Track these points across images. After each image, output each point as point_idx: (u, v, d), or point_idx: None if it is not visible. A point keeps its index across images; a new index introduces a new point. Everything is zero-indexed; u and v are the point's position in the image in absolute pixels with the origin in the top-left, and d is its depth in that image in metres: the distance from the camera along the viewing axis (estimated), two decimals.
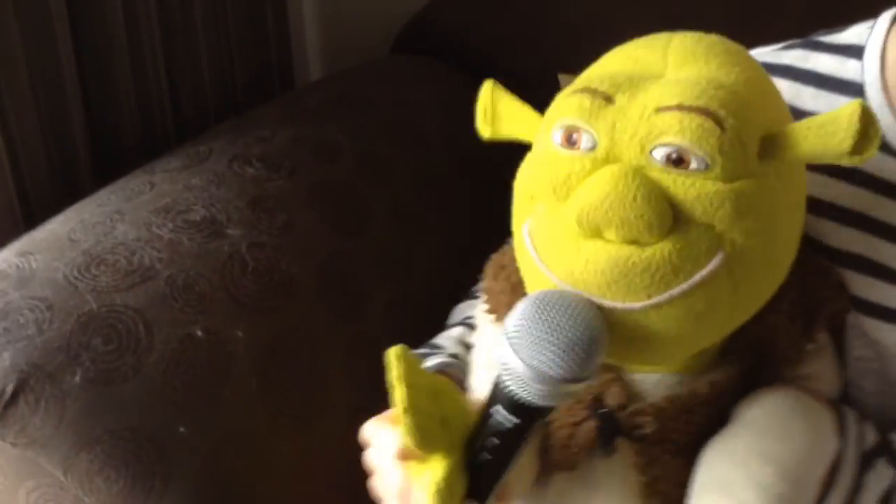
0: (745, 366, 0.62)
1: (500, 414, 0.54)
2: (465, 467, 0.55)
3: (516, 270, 0.67)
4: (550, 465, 0.65)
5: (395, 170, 0.99)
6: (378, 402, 0.80)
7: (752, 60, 0.58)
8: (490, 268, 0.71)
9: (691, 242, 0.52)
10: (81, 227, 0.80)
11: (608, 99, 0.54)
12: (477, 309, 0.75)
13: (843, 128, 0.50)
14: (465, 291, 0.88)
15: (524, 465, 0.62)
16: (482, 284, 0.72)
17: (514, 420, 0.53)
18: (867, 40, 0.68)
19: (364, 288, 0.87)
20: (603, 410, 0.62)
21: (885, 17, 0.68)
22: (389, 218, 0.94)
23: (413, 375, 0.55)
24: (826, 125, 0.51)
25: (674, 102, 0.52)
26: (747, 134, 0.52)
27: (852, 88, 0.68)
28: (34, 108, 0.95)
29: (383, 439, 0.65)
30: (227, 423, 0.72)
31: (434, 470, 0.54)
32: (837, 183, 0.68)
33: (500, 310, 0.69)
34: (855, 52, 0.69)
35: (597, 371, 0.53)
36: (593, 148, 0.54)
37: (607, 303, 0.52)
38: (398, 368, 0.54)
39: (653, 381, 0.62)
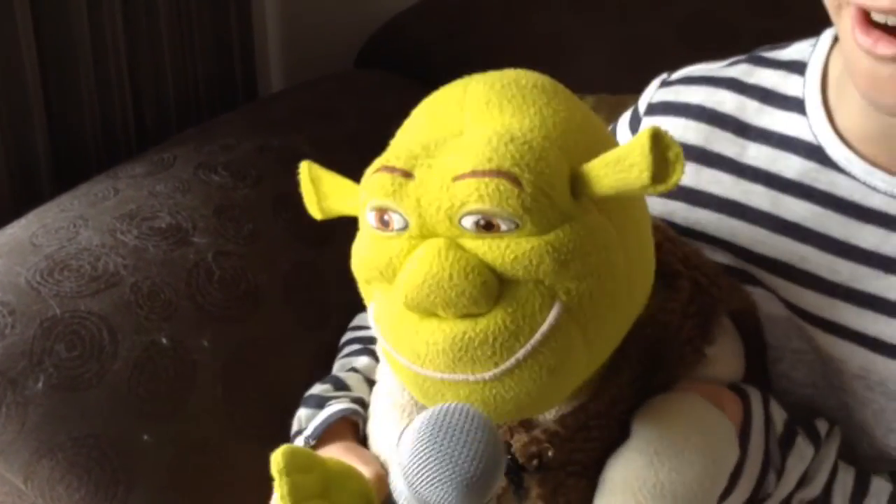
0: (636, 370, 0.62)
1: None
2: None
3: None
4: None
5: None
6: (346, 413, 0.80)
7: (551, 94, 0.57)
8: None
9: (523, 303, 0.51)
10: (44, 232, 0.80)
11: (407, 175, 0.53)
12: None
13: (637, 160, 0.49)
14: None
15: None
16: None
17: None
18: (809, 57, 0.71)
19: (329, 297, 0.87)
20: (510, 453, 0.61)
21: (827, 35, 0.70)
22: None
23: (299, 470, 0.55)
24: (622, 159, 0.50)
25: (468, 169, 0.51)
26: (549, 182, 0.51)
27: (793, 104, 0.71)
28: None
29: None
30: (191, 432, 0.72)
31: None
32: (781, 196, 0.70)
33: None
34: (797, 67, 0.71)
35: (495, 494, 0.52)
36: (406, 226, 0.53)
37: (459, 376, 0.52)
38: (280, 463, 0.54)
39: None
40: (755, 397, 0.66)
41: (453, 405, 0.52)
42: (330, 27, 1.48)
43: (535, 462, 0.60)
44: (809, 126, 0.69)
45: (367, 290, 0.58)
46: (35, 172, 1.00)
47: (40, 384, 0.67)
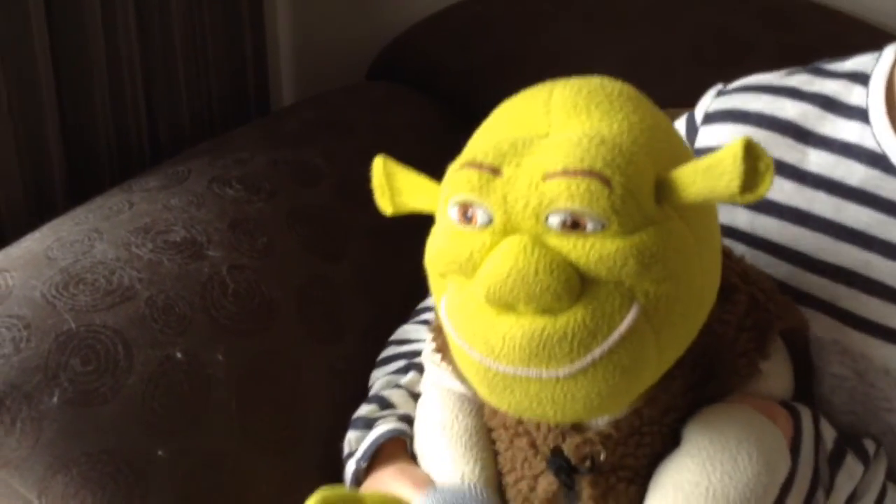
0: (689, 380, 0.62)
1: None
2: None
3: None
4: None
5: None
6: None
7: (638, 102, 0.58)
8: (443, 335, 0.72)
9: (603, 302, 0.51)
10: (59, 245, 0.79)
11: (495, 171, 0.53)
12: (426, 348, 0.75)
13: (728, 169, 0.50)
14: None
15: None
16: (433, 322, 0.73)
17: None
18: (873, 69, 0.71)
19: (343, 311, 0.87)
20: (557, 457, 0.62)
21: (890, 49, 0.71)
22: (367, 242, 0.94)
23: None
24: (713, 167, 0.51)
25: (559, 168, 0.51)
26: (637, 185, 0.52)
27: (856, 112, 0.71)
28: (10, 125, 0.94)
29: None
30: (206, 447, 0.71)
31: None
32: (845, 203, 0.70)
33: (446, 350, 0.69)
34: (860, 78, 0.72)
35: None
36: (489, 222, 0.54)
37: (532, 371, 0.52)
38: None
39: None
40: (805, 414, 0.66)
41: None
42: (342, 41, 1.48)
43: (587, 463, 0.60)
44: (873, 134, 0.70)
45: (440, 284, 0.58)
46: (49, 185, 1.00)
47: (55, 399, 0.67)
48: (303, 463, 0.76)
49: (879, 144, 0.69)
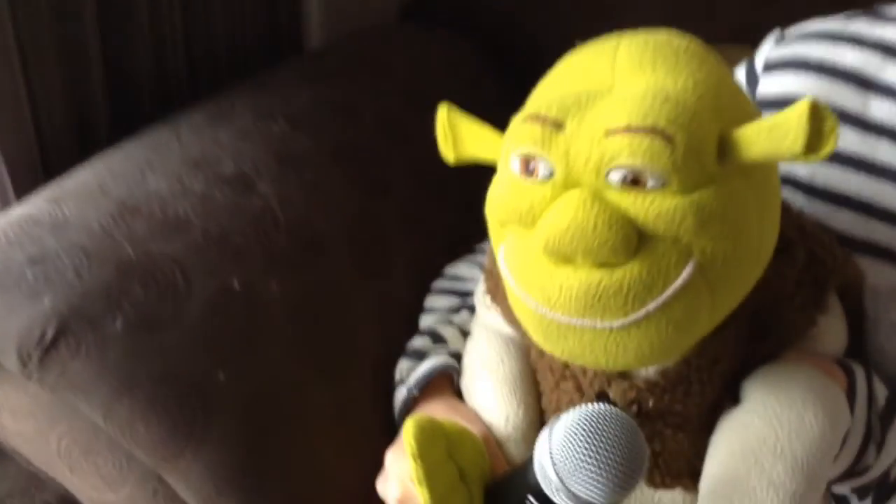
0: (742, 332, 0.64)
1: (531, 500, 0.56)
2: None
3: None
4: None
5: (412, 133, 1.00)
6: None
7: (704, 58, 0.58)
8: (491, 251, 0.73)
9: (659, 258, 0.52)
10: (111, 177, 0.80)
11: (558, 125, 0.54)
12: (478, 289, 0.77)
13: (793, 129, 0.50)
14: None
15: None
16: (486, 264, 0.74)
17: None
18: None
19: (390, 246, 0.89)
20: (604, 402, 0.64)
21: None
22: (410, 180, 0.95)
23: (429, 446, 0.58)
24: (777, 127, 0.51)
25: (622, 124, 0.52)
26: (700, 143, 0.52)
27: None
28: (55, 59, 0.94)
29: (399, 474, 0.68)
30: (265, 372, 0.73)
31: None
32: None
33: (496, 293, 0.71)
34: None
35: None
36: (551, 175, 0.55)
37: (587, 322, 0.53)
38: (413, 447, 0.58)
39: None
40: (859, 372, 0.67)
41: (606, 409, 0.53)
42: None
43: (633, 408, 0.62)
44: None
45: (500, 233, 0.59)
46: (93, 118, 1.00)
47: (119, 324, 0.69)
48: (355, 388, 0.79)
49: None
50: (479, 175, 1.05)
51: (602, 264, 0.53)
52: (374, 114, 1.00)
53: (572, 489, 0.52)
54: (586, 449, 0.52)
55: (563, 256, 0.53)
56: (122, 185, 0.80)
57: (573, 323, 0.54)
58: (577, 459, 0.52)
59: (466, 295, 0.84)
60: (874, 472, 0.68)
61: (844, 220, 0.73)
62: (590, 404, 0.54)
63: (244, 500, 0.69)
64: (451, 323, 0.82)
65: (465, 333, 0.79)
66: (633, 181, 0.52)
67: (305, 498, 0.72)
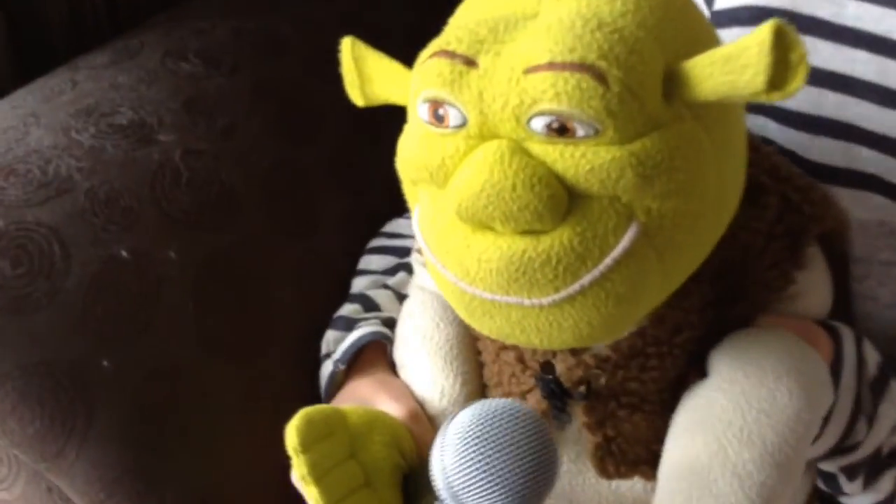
0: (707, 296, 0.55)
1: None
2: None
3: None
4: None
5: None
6: None
7: None
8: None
9: (594, 222, 0.44)
10: None
11: (469, 62, 0.44)
12: (414, 246, 0.69)
13: (753, 61, 0.40)
14: None
15: None
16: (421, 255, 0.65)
17: None
18: None
19: (316, 200, 0.78)
20: (546, 377, 0.55)
21: None
22: (343, 122, 0.84)
23: (321, 441, 0.50)
24: (733, 57, 0.41)
25: (544, 60, 0.42)
26: (641, 80, 0.43)
27: None
28: None
29: None
30: (158, 356, 0.64)
31: None
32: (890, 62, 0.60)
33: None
34: None
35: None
36: (464, 124, 0.45)
37: (512, 299, 0.45)
38: (295, 440, 0.49)
39: None
40: (847, 336, 0.58)
41: (502, 405, 0.45)
42: None
43: (581, 388, 0.54)
44: None
45: (412, 192, 0.51)
46: None
47: None
48: (270, 368, 0.69)
49: None
50: None
51: (526, 231, 0.44)
52: (304, 46, 0.88)
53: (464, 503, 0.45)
54: (477, 461, 0.44)
55: (479, 222, 0.44)
56: (1, 141, 0.69)
57: (497, 300, 0.45)
58: (468, 473, 0.44)
59: (405, 253, 0.75)
60: (865, 450, 0.60)
61: (823, 148, 0.63)
62: (491, 401, 0.45)
63: (137, 500, 0.61)
64: (385, 286, 0.72)
65: (401, 298, 0.70)
66: (560, 129, 0.43)
67: (211, 494, 0.64)
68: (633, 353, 0.54)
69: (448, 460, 0.45)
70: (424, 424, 0.59)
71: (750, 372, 0.51)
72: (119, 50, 0.82)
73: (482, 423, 0.44)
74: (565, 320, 0.45)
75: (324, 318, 0.72)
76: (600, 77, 0.42)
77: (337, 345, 0.68)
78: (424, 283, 0.67)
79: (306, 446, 0.49)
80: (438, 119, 0.46)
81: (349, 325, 0.69)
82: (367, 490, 0.51)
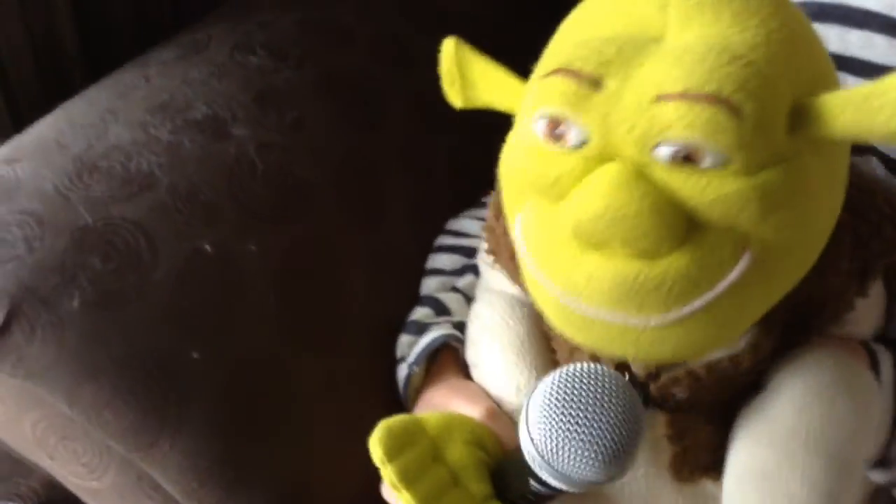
0: (787, 323, 0.56)
1: (532, 483, 0.49)
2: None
3: None
4: None
5: (414, 55, 0.89)
6: (404, 315, 0.74)
7: (779, 4, 0.46)
8: (493, 204, 0.63)
9: (711, 249, 0.43)
10: (70, 130, 0.72)
11: (596, 83, 0.44)
12: (480, 248, 0.69)
13: (890, 103, 0.40)
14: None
15: None
16: (487, 220, 0.65)
17: (547, 489, 0.49)
18: None
19: (383, 190, 0.79)
20: (632, 378, 0.56)
21: None
22: (408, 108, 0.85)
23: (404, 449, 0.51)
24: (871, 98, 0.40)
25: (678, 89, 0.42)
26: (771, 114, 0.42)
27: None
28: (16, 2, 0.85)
29: None
30: (244, 346, 0.65)
31: None
32: None
33: (499, 252, 0.63)
34: None
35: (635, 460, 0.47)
36: (583, 143, 0.45)
37: (617, 316, 0.45)
38: (380, 452, 0.51)
39: None
40: (885, 358, 0.59)
41: (587, 368, 0.45)
42: None
43: (669, 403, 0.56)
44: None
45: (516, 201, 0.49)
46: (65, 66, 0.91)
47: (76, 302, 0.61)
48: (349, 358, 0.70)
49: None
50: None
51: (641, 253, 0.43)
52: (368, 36, 0.89)
53: (558, 468, 0.46)
54: (564, 417, 0.45)
55: (596, 243, 0.44)
56: (81, 138, 0.71)
57: (601, 316, 0.45)
58: (554, 431, 0.45)
59: (472, 253, 0.75)
60: None
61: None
62: (569, 366, 0.46)
63: (229, 491, 0.62)
64: (454, 289, 0.73)
65: (470, 300, 0.71)
66: (686, 158, 0.42)
67: (298, 484, 0.65)
68: (726, 376, 0.55)
69: (534, 426, 0.45)
70: (503, 420, 0.59)
71: (810, 384, 0.53)
72: (187, 44, 0.83)
73: (563, 384, 0.45)
74: (667, 340, 0.45)
75: (396, 306, 0.73)
76: (735, 110, 0.41)
77: (410, 348, 0.69)
78: (491, 285, 0.68)
79: (392, 455, 0.50)
80: (556, 137, 0.46)
81: (421, 329, 0.70)
82: (458, 490, 0.52)
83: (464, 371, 0.65)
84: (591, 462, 0.45)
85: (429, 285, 0.75)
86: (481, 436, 0.56)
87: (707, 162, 0.42)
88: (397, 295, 0.73)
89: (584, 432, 0.44)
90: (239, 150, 0.72)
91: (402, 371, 0.68)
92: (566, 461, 0.45)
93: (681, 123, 0.41)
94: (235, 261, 0.67)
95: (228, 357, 0.64)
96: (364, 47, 0.88)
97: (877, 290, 0.60)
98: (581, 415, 0.44)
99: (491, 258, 0.64)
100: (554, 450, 0.45)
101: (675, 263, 0.43)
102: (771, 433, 0.53)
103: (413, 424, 0.53)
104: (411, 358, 0.67)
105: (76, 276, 0.62)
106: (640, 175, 0.43)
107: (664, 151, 0.42)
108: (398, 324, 0.73)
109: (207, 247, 0.66)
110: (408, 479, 0.50)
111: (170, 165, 0.69)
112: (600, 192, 0.43)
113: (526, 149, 0.47)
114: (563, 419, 0.45)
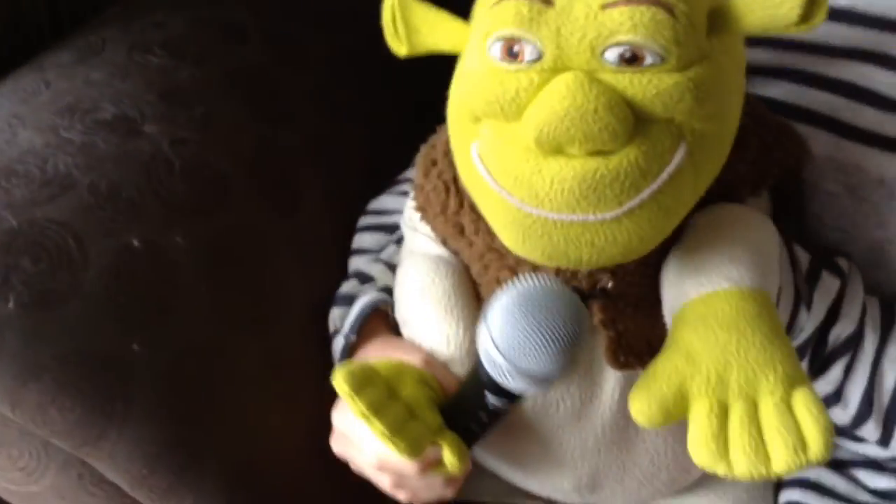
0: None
1: (489, 398, 0.55)
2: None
3: (449, 168, 0.64)
4: None
5: (309, 52, 0.93)
6: (331, 293, 0.77)
7: None
8: (420, 164, 0.68)
9: (655, 141, 0.50)
10: None
11: (546, 1, 0.50)
12: (406, 211, 0.73)
13: None
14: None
15: None
16: (414, 180, 0.69)
17: (504, 401, 0.56)
18: None
19: (298, 179, 0.82)
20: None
21: None
22: (312, 104, 0.88)
23: (365, 386, 0.56)
24: None
25: None
26: (698, 14, 0.49)
27: None
28: None
29: (360, 436, 0.66)
30: (183, 334, 0.67)
31: (445, 449, 0.58)
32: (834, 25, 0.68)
33: (429, 209, 0.67)
34: None
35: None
36: (538, 59, 0.50)
37: (578, 217, 0.50)
38: (346, 388, 0.56)
39: None
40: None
41: (534, 278, 0.53)
42: None
43: (599, 287, 0.61)
44: None
45: (471, 130, 0.54)
46: None
47: (11, 304, 0.62)
48: (285, 337, 0.73)
49: None
50: (382, 99, 0.99)
51: (595, 152, 0.49)
52: (262, 33, 0.91)
53: (521, 365, 0.52)
54: (524, 318, 0.52)
55: (557, 146, 0.49)
56: None
57: (562, 218, 0.50)
58: (517, 332, 0.52)
59: (394, 229, 0.79)
60: (807, 333, 0.68)
61: (782, 91, 0.71)
62: (518, 279, 0.52)
63: (179, 475, 0.64)
64: (377, 260, 0.77)
65: (392, 268, 0.75)
66: (631, 59, 0.49)
67: (245, 460, 0.68)
68: (642, 261, 0.59)
69: (497, 331, 0.52)
70: (440, 366, 0.64)
71: (719, 219, 0.59)
72: (82, 47, 0.83)
73: (518, 292, 0.52)
74: (621, 234, 0.51)
75: (321, 286, 0.76)
76: (669, 10, 0.48)
77: (343, 320, 0.72)
78: (414, 249, 0.72)
79: (357, 389, 0.55)
80: (512, 56, 0.50)
81: (350, 300, 0.73)
82: (416, 421, 0.57)
83: (394, 331, 0.69)
84: (549, 353, 0.51)
85: (354, 263, 0.79)
86: (427, 378, 0.61)
87: (648, 60, 0.48)
88: (322, 275, 0.77)
89: (541, 327, 0.51)
90: (153, 147, 0.73)
91: (339, 343, 0.71)
92: (528, 356, 0.52)
93: (626, 25, 0.48)
94: (165, 253, 0.68)
95: (168, 346, 0.66)
96: (259, 45, 0.90)
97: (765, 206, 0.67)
98: (537, 313, 0.51)
99: (418, 215, 0.68)
100: (517, 347, 0.52)
101: (627, 157, 0.49)
102: (690, 256, 0.58)
103: (368, 367, 0.58)
104: (346, 328, 0.70)
105: (8, 279, 0.62)
106: (594, 78, 0.48)
107: (612, 54, 0.48)
108: (326, 301, 0.76)
109: (135, 242, 0.68)
110: (375, 410, 0.54)
111: (87, 165, 0.70)
112: (559, 96, 0.48)
113: (482, 73, 0.52)
114: (523, 318, 0.51)
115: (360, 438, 0.64)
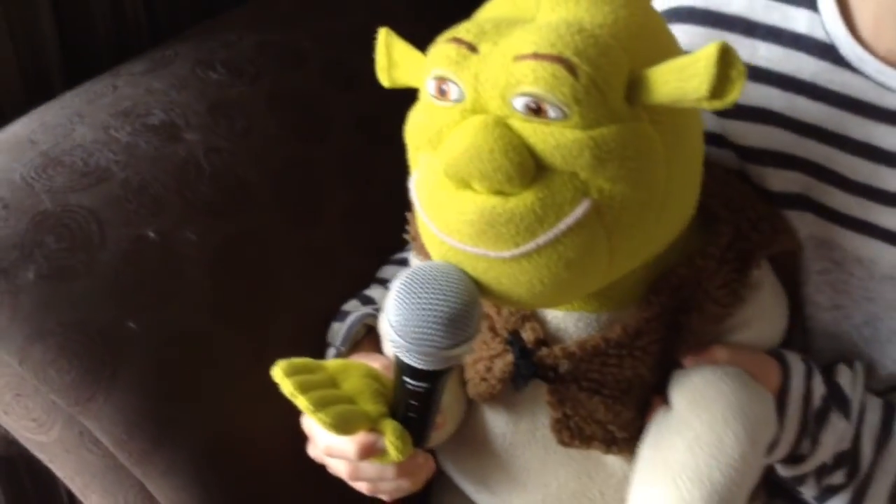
0: (666, 308, 0.63)
1: (409, 382, 0.58)
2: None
3: None
4: (473, 397, 0.69)
5: (359, 79, 0.99)
6: (334, 307, 0.83)
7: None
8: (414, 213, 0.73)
9: (554, 191, 0.52)
10: (42, 129, 0.82)
11: (472, 48, 0.54)
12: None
13: (700, 72, 0.49)
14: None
15: (450, 402, 0.68)
16: (410, 230, 0.74)
17: (423, 384, 0.58)
18: None
19: (322, 195, 0.89)
20: (516, 343, 0.65)
21: None
22: (351, 127, 0.95)
23: (301, 371, 0.60)
24: (684, 69, 0.50)
25: (530, 51, 0.51)
26: (606, 78, 0.51)
27: (805, 0, 0.68)
28: (2, 13, 0.95)
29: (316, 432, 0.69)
30: (177, 321, 0.75)
31: (385, 434, 0.60)
32: (797, 98, 0.68)
33: (416, 237, 0.71)
34: None
35: (476, 331, 0.57)
36: (461, 99, 0.54)
37: (480, 251, 0.54)
38: (278, 372, 0.59)
39: (570, 319, 0.64)
40: (797, 370, 0.66)
41: (427, 263, 0.56)
42: None
43: (551, 374, 0.64)
44: (822, 23, 0.67)
45: (414, 159, 0.59)
46: (46, 72, 1.01)
47: (31, 274, 0.71)
48: (274, 338, 0.80)
49: (828, 34, 0.66)
50: None
51: (498, 192, 0.53)
52: (320, 59, 0.99)
53: (415, 342, 0.55)
54: (409, 297, 0.55)
55: (461, 180, 0.53)
56: (50, 136, 0.81)
57: (468, 250, 0.54)
58: (405, 310, 0.55)
59: (402, 263, 0.84)
60: (810, 465, 0.68)
61: (758, 171, 0.71)
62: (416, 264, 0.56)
63: (155, 443, 0.71)
64: (382, 285, 0.82)
65: None
66: (537, 110, 0.52)
67: (217, 439, 0.74)
68: (597, 353, 0.63)
69: (391, 312, 0.56)
70: None
71: (703, 417, 0.59)
72: (156, 59, 0.93)
73: (409, 276, 0.56)
74: (522, 275, 0.54)
75: (325, 298, 0.82)
76: (571, 69, 0.51)
77: (337, 334, 0.78)
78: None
79: (289, 373, 0.59)
80: (442, 93, 0.56)
81: (346, 317, 0.79)
82: (352, 406, 0.61)
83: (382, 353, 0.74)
84: (435, 327, 0.54)
85: (369, 290, 0.84)
86: (377, 374, 0.64)
87: (551, 113, 0.52)
88: (326, 287, 0.83)
89: (426, 304, 0.54)
90: (189, 153, 0.82)
91: (330, 353, 0.77)
92: (417, 331, 0.54)
93: (529, 77, 0.51)
94: (175, 247, 0.76)
95: (162, 329, 0.73)
96: (315, 69, 0.98)
97: (771, 289, 0.67)
98: (421, 292, 0.54)
99: (414, 243, 0.73)
100: (406, 324, 0.55)
101: (523, 200, 0.52)
102: (665, 466, 0.59)
103: (311, 361, 0.63)
104: (337, 341, 0.76)
105: (33, 252, 0.72)
106: (500, 123, 0.52)
107: (519, 103, 0.52)
108: (327, 312, 0.82)
109: (151, 234, 0.76)
110: (303, 389, 0.58)
111: (125, 163, 0.79)
112: (465, 135, 0.52)
113: (421, 107, 0.58)
114: (409, 297, 0.55)
115: (310, 429, 0.69)
